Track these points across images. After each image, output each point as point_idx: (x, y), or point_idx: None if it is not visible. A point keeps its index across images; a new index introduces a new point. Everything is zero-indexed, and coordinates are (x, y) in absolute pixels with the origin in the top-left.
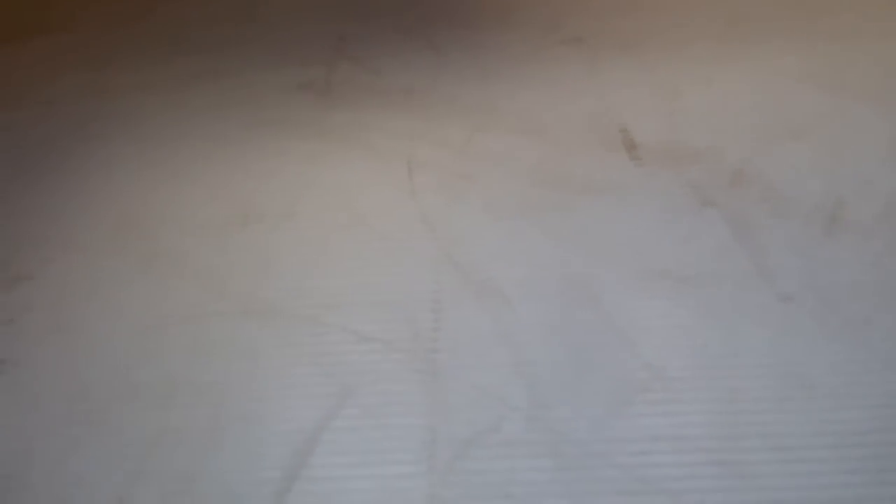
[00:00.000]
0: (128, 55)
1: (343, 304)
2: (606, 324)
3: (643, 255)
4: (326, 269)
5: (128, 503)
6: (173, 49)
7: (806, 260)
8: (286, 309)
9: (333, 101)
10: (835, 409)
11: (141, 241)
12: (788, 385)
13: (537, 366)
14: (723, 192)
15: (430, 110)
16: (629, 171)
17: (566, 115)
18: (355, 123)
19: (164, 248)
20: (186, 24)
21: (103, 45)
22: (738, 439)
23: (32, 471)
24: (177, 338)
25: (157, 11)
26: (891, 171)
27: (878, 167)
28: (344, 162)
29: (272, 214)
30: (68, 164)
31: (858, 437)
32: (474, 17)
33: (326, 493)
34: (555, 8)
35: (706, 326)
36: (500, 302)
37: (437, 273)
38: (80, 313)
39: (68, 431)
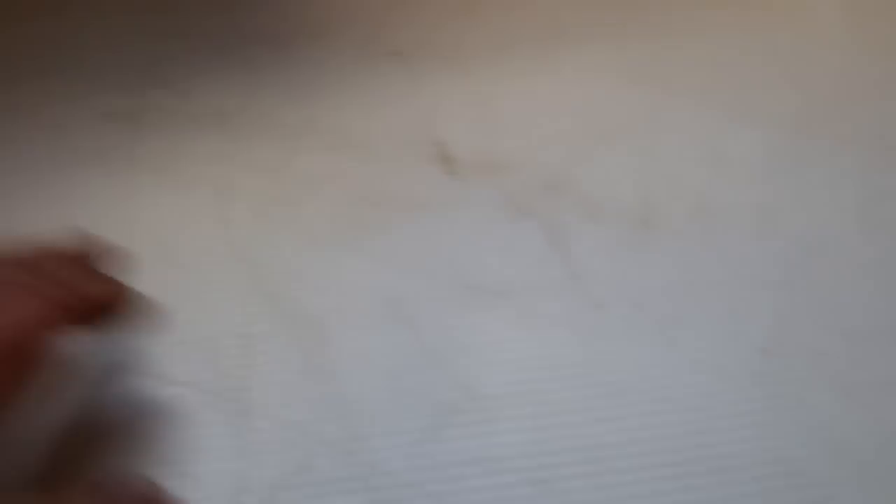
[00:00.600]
0: None
1: (145, 346)
2: (421, 346)
3: (459, 271)
4: None
5: None
6: None
7: (618, 264)
8: None
9: (143, 129)
10: (644, 414)
11: None
12: (600, 394)
13: (350, 397)
14: (539, 201)
15: (246, 133)
16: (446, 186)
17: (385, 130)
18: (166, 152)
19: None
20: None
21: None
22: (552, 455)
23: None
24: None
25: None
26: (702, 168)
27: (690, 167)
28: (153, 195)
29: None
30: None
31: (667, 443)
32: (291, 34)
33: None
34: (374, 21)
35: (521, 340)
36: (314, 332)
37: (248, 306)
38: None
39: None
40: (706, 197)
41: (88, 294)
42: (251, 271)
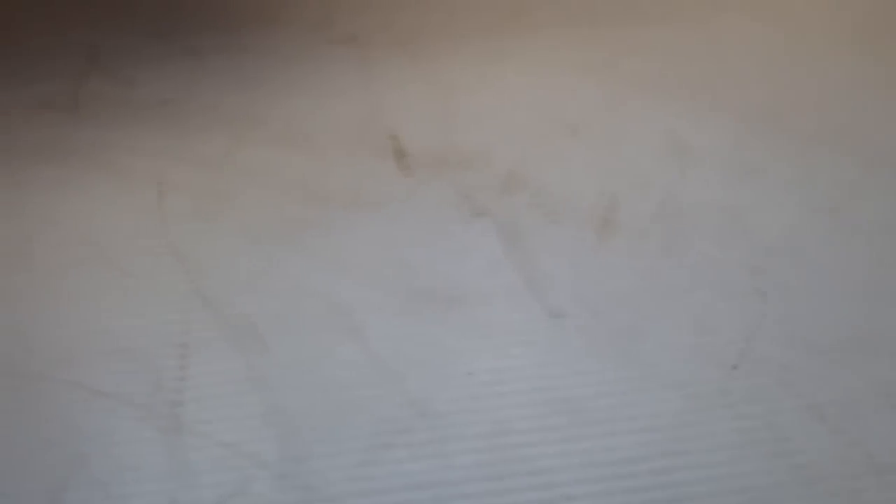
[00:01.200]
0: None
1: (75, 356)
2: (369, 357)
3: (410, 275)
4: (59, 316)
5: None
6: None
7: (577, 269)
8: (9, 367)
9: (80, 118)
10: (602, 435)
11: None
12: (556, 411)
13: (291, 413)
14: (495, 199)
15: (187, 123)
16: (398, 182)
17: (334, 121)
18: (103, 143)
19: None
20: None
21: None
22: (505, 478)
23: None
24: None
25: None
26: (666, 167)
27: (654, 163)
28: (87, 188)
29: (3, 254)
30: None
31: (625, 467)
32: (239, 18)
33: None
34: (327, 4)
35: (474, 351)
36: (254, 341)
37: (185, 312)
38: None
39: None
40: (671, 195)
41: None
42: (189, 271)
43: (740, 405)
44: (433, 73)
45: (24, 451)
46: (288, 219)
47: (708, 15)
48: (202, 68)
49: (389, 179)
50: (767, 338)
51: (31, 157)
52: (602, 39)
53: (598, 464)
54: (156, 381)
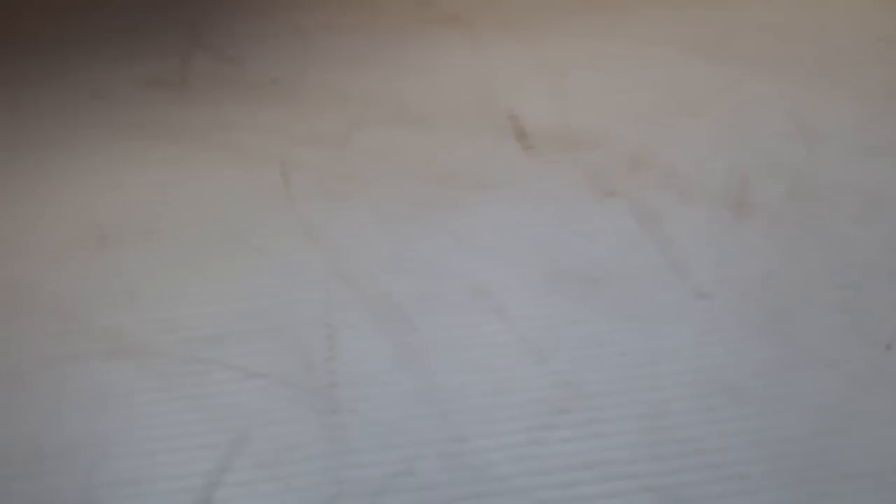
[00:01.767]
0: None
1: (222, 336)
2: (517, 337)
3: (546, 255)
4: (200, 295)
5: None
6: (2, 47)
7: (717, 250)
8: (157, 345)
9: (190, 96)
10: (763, 414)
11: None
12: (714, 392)
13: (446, 392)
14: (623, 179)
15: (302, 102)
16: (522, 162)
17: (450, 101)
18: (217, 121)
19: (10, 278)
20: (17, 19)
21: None
22: (668, 459)
23: None
24: (35, 388)
25: None
26: (792, 147)
27: (780, 143)
28: (207, 167)
29: (132, 233)
30: None
31: (793, 446)
32: None
33: None
34: None
35: (622, 332)
36: (400, 320)
37: (326, 291)
38: None
39: None
40: (802, 176)
41: None
42: (324, 251)
43: None
44: (541, 51)
45: (182, 431)
46: (417, 199)
47: None
48: (309, 47)
49: (514, 159)
50: None
51: (145, 135)
52: (710, 18)
53: (763, 443)
54: (307, 362)
